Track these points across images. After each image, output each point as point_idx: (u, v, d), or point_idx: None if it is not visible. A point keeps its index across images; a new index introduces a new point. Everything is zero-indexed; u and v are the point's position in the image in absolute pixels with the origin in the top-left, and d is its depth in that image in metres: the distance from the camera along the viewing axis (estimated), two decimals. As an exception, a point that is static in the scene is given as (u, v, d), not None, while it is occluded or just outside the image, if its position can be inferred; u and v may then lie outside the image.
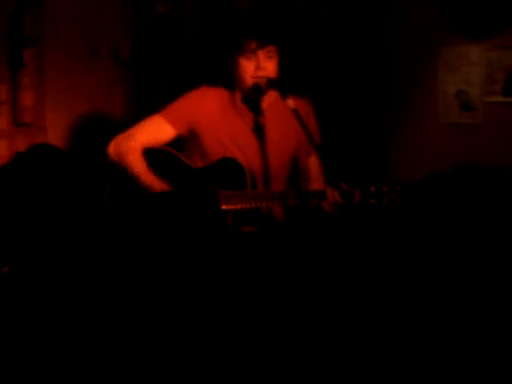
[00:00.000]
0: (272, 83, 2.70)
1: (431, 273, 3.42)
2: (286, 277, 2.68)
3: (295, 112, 2.62)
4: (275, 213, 2.85)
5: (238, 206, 2.64)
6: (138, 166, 2.77)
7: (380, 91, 4.27)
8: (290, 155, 2.89)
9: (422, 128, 4.19)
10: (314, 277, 2.71)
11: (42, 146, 3.79)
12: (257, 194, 2.66)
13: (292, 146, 2.88)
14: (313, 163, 2.90)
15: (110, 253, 2.92)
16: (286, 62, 2.76)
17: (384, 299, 3.15)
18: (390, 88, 4.26)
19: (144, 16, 4.29)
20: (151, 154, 2.80)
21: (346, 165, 3.81)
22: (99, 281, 3.30)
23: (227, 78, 2.80)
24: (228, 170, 2.71)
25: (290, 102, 2.64)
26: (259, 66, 2.68)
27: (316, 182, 2.87)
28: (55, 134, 3.96)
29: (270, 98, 2.79)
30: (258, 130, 2.78)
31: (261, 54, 2.69)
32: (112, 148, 2.82)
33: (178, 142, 2.88)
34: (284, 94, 2.66)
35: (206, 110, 2.80)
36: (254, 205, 2.64)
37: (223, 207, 2.65)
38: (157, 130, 2.82)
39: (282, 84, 2.71)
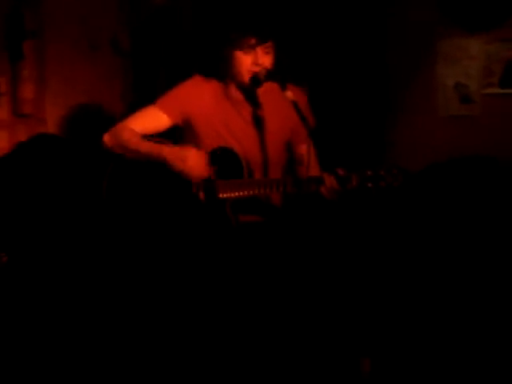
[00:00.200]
0: (270, 75, 2.72)
1: (429, 263, 3.43)
2: (286, 265, 2.69)
3: (294, 104, 2.64)
4: (273, 200, 2.86)
5: (236, 194, 2.66)
6: (135, 138, 2.79)
7: (379, 84, 4.27)
8: (286, 143, 2.91)
9: (421, 121, 4.19)
10: (312, 266, 2.72)
11: (43, 135, 3.81)
12: (254, 182, 2.67)
13: (287, 134, 2.89)
14: (307, 149, 2.91)
15: (109, 244, 2.93)
16: (282, 55, 2.78)
17: (383, 289, 3.16)
18: (388, 81, 4.27)
19: (143, 7, 4.30)
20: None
21: (344, 158, 3.81)
22: (100, 271, 3.30)
23: (222, 71, 2.82)
24: (224, 160, 2.72)
25: (289, 94, 2.65)
26: (257, 61, 2.71)
27: (311, 168, 2.88)
28: (55, 125, 3.98)
29: (265, 88, 2.80)
30: (257, 122, 2.80)
31: (259, 49, 2.71)
32: (107, 136, 2.84)
33: (173, 133, 2.90)
34: (283, 86, 2.68)
35: (200, 100, 2.82)
36: (251, 192, 2.65)
37: (221, 196, 2.67)
38: (152, 120, 2.84)
39: (281, 75, 2.73)
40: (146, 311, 2.84)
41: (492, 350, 2.97)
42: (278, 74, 2.73)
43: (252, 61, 2.71)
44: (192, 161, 2.67)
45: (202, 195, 2.69)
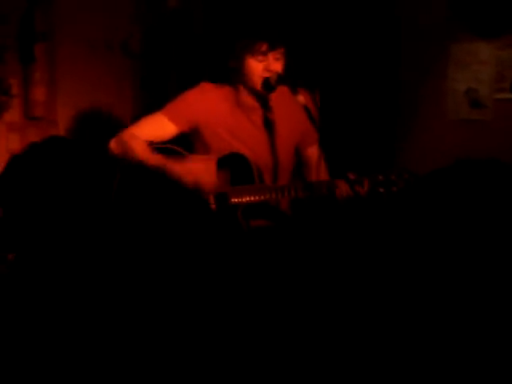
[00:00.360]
0: (282, 79, 2.72)
1: (435, 266, 3.42)
2: (295, 269, 2.69)
3: (306, 108, 2.64)
4: (281, 206, 2.87)
5: (248, 200, 2.66)
6: (142, 149, 2.78)
7: (390, 89, 4.27)
8: (295, 147, 2.92)
9: (431, 125, 4.18)
10: (321, 270, 2.72)
11: (55, 137, 3.81)
12: (266, 187, 2.67)
13: (297, 138, 2.90)
14: (315, 152, 2.91)
15: (117, 247, 2.93)
16: (294, 60, 2.79)
17: (389, 290, 3.15)
18: (399, 85, 4.26)
19: (155, 10, 4.30)
20: (155, 151, 2.82)
21: (355, 163, 3.81)
22: (108, 273, 3.31)
23: (233, 76, 2.82)
24: (234, 165, 2.73)
25: (301, 98, 2.65)
26: (269, 67, 2.71)
27: (319, 171, 2.87)
28: (66, 128, 3.98)
29: (276, 92, 2.80)
30: (268, 126, 2.81)
31: (271, 55, 2.72)
32: (113, 143, 2.84)
33: (181, 139, 2.90)
34: (294, 90, 2.68)
35: (207, 107, 2.82)
36: (263, 198, 2.66)
37: (232, 201, 2.67)
38: (158, 128, 2.84)
39: (292, 79, 2.73)
40: (156, 314, 2.85)
41: (492, 350, 2.96)
42: (289, 78, 2.73)
43: (263, 67, 2.72)
44: (201, 174, 2.67)
45: (212, 200, 2.69)
